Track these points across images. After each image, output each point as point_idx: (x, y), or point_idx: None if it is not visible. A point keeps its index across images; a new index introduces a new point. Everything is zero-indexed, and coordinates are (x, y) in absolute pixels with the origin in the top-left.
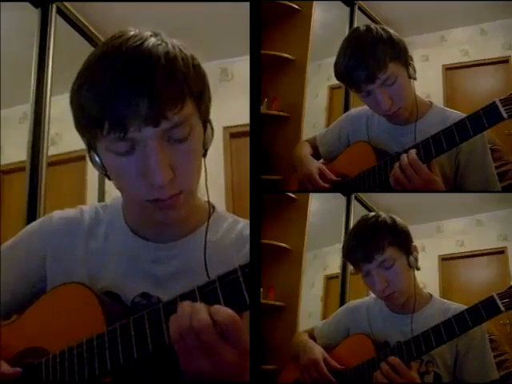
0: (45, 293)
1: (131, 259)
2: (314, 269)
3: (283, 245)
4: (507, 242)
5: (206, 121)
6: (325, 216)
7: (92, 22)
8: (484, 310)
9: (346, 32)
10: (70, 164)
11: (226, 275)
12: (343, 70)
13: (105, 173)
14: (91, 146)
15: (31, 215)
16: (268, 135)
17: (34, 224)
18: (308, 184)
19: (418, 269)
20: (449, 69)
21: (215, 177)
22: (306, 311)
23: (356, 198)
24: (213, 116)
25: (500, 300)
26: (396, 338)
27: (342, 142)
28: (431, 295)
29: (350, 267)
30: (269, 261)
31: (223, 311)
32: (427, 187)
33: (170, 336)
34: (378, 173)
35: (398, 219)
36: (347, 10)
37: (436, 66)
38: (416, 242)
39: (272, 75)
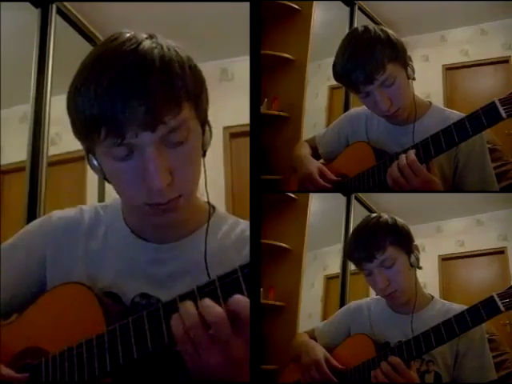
0: (44, 292)
1: (131, 259)
2: (313, 269)
3: (283, 245)
4: (507, 242)
5: (204, 122)
6: (325, 216)
7: (92, 21)
8: (484, 309)
9: (346, 32)
10: (70, 164)
11: (226, 275)
12: (342, 72)
13: (104, 176)
14: (89, 150)
15: (31, 215)
16: (268, 135)
17: (33, 223)
18: (308, 184)
19: (419, 268)
20: (449, 69)
21: (215, 177)
22: (306, 311)
23: (356, 198)
24: (213, 116)
25: (500, 300)
26: (397, 337)
27: (342, 142)
28: (432, 296)
29: (350, 267)
30: (269, 261)
31: (237, 302)
32: (425, 188)
33: (173, 335)
34: (377, 173)
35: (399, 219)
36: (347, 9)
37: (436, 66)
38: (416, 242)
39: (272, 75)
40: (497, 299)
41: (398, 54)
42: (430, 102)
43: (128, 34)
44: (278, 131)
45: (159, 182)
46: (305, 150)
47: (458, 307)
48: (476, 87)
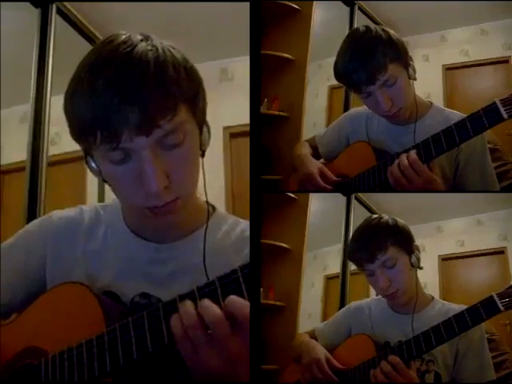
0: (44, 292)
1: (131, 259)
2: (313, 269)
3: (283, 245)
4: (507, 242)
5: (202, 122)
6: (325, 216)
7: (92, 21)
8: (483, 309)
9: (346, 32)
10: (70, 164)
11: (225, 276)
12: (343, 72)
13: (102, 178)
14: (88, 153)
15: (31, 215)
16: (268, 135)
17: (33, 223)
18: (308, 184)
19: (420, 268)
20: (449, 69)
21: (215, 177)
22: (306, 311)
23: (356, 198)
24: (213, 116)
25: (499, 300)
26: (397, 337)
27: (342, 141)
28: (433, 297)
29: (350, 267)
30: (269, 261)
31: (232, 303)
32: (427, 187)
33: (173, 335)
34: (377, 173)
35: (400, 220)
36: (347, 10)
37: (436, 66)
38: (416, 242)
39: (272, 75)
40: (496, 299)
41: (399, 55)
42: (431, 102)
43: (123, 37)
44: (278, 131)
45: (156, 185)
46: (305, 150)
47: (457, 307)
48: (476, 87)
